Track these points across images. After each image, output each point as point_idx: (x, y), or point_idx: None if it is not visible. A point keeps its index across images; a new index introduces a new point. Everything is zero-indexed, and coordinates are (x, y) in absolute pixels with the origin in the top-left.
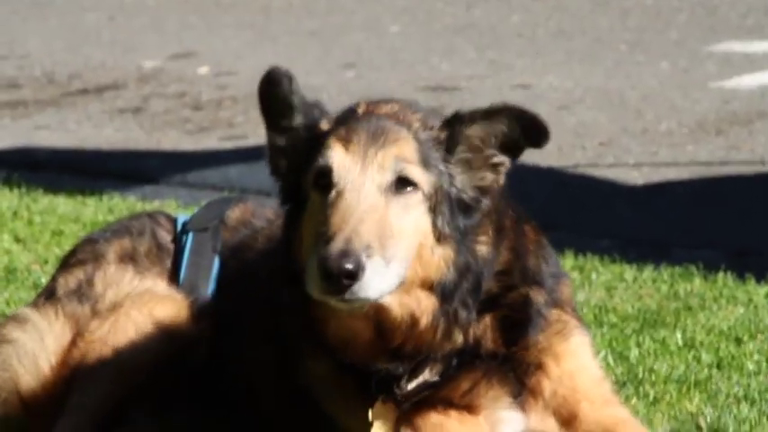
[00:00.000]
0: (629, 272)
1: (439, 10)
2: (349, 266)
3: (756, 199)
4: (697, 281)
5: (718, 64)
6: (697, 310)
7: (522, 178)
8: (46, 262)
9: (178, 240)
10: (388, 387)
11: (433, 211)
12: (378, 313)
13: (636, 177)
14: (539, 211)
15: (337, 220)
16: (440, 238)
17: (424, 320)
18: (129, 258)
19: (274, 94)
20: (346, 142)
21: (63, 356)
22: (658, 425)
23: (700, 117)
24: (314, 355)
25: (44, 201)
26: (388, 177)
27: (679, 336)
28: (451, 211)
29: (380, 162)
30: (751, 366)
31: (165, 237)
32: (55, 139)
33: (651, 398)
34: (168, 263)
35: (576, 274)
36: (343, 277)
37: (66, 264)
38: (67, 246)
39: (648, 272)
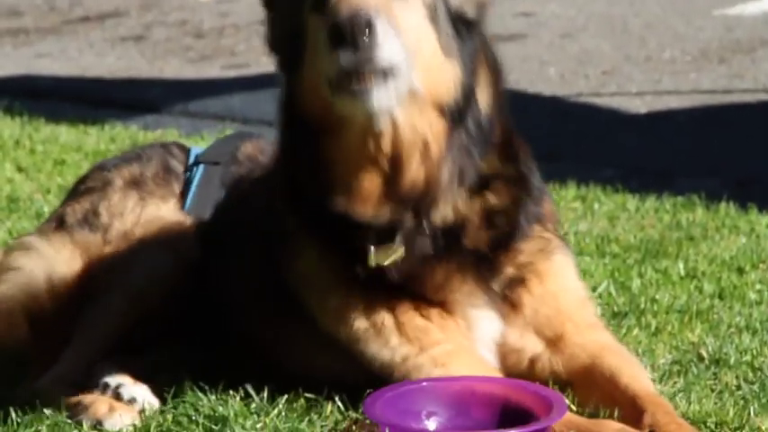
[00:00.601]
0: (632, 201)
1: None
2: (360, 17)
3: (759, 127)
4: (699, 210)
5: None
6: (699, 240)
7: (525, 107)
8: (48, 191)
9: (189, 171)
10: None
11: (435, 22)
12: (393, 135)
13: (639, 106)
14: (541, 141)
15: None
16: (446, 53)
17: (435, 148)
18: (133, 184)
19: None
20: None
21: (73, 283)
22: (660, 355)
23: (703, 45)
24: (303, 247)
25: (46, 130)
26: None
27: (681, 266)
28: (454, 30)
29: None
30: (753, 296)
31: (177, 165)
32: (56, 68)
33: (653, 328)
34: (176, 186)
35: (578, 204)
36: (356, 29)
37: (76, 191)
38: (70, 175)
39: (651, 201)
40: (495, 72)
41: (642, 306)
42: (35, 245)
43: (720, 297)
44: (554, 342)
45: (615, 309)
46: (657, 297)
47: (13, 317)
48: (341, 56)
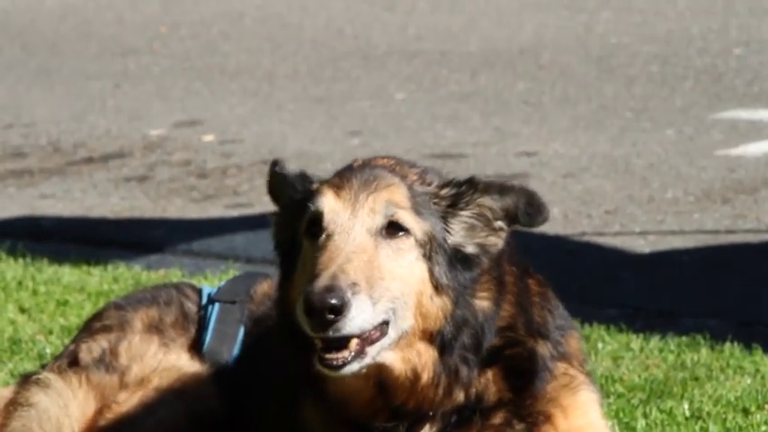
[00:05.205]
0: (636, 341)
1: (444, 77)
2: (332, 301)
3: (763, 268)
4: (704, 351)
5: (723, 132)
6: (704, 381)
7: (528, 246)
8: (51, 332)
9: (203, 311)
10: None
11: (429, 258)
12: (380, 370)
13: (642, 246)
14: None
15: (324, 260)
16: (438, 287)
17: (425, 376)
18: (155, 329)
19: (280, 178)
20: (338, 189)
21: (87, 426)
22: None
23: (706, 185)
24: (312, 404)
25: (49, 270)
26: (379, 221)
27: (686, 406)
28: (449, 263)
29: (371, 206)
30: None
31: (192, 308)
32: (60, 209)
33: None
34: (192, 331)
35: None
36: (326, 311)
37: (91, 329)
38: (72, 316)
39: (655, 341)
40: (504, 287)
41: None
42: (53, 383)
43: None
44: None
45: None
46: None
47: None
48: (312, 325)
